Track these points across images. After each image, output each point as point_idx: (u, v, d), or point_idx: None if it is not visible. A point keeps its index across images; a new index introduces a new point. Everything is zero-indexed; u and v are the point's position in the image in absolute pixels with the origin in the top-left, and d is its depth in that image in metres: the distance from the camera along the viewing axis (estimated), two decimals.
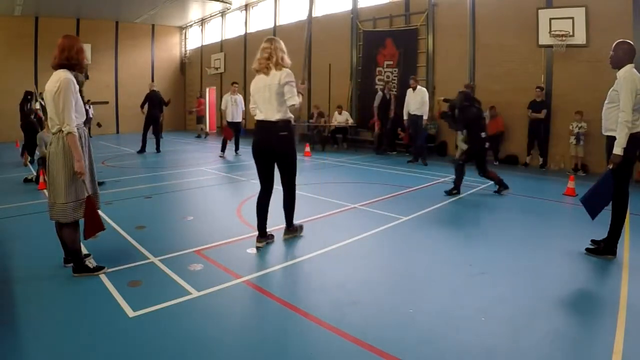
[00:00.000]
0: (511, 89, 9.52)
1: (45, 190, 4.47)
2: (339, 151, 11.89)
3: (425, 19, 11.01)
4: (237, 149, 10.99)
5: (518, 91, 9.34)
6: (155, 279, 3.19)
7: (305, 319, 2.64)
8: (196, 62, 20.43)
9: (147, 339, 2.40)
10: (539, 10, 8.78)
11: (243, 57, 17.10)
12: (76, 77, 6.38)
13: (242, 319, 2.74)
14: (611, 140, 3.55)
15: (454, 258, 3.71)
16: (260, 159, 3.78)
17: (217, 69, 18.59)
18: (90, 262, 3.29)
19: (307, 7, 4.14)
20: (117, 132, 18.37)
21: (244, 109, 10.79)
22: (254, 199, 3.87)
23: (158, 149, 11.34)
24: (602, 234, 3.80)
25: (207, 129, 19.41)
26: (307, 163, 9.31)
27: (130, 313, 2.65)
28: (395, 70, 11.77)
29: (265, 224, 3.89)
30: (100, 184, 6.12)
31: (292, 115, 3.75)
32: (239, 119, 10.68)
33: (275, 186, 3.87)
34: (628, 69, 3.49)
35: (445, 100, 7.29)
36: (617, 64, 3.57)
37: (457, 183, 6.20)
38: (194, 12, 18.68)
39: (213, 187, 7.03)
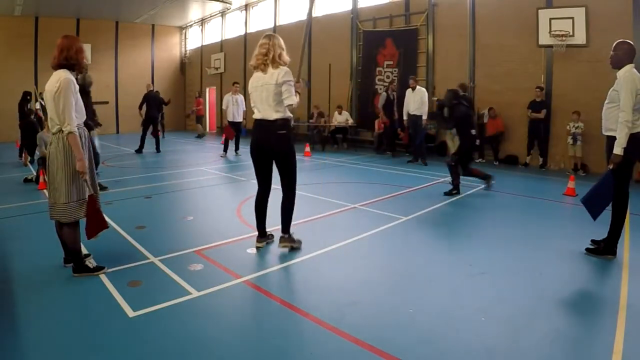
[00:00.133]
0: (511, 89, 9.52)
1: (45, 190, 4.47)
2: (339, 151, 11.89)
3: (425, 19, 11.01)
4: (237, 148, 11.00)
5: (518, 91, 9.35)
6: (155, 279, 3.19)
7: (305, 319, 2.64)
8: (196, 62, 20.42)
9: (147, 339, 2.40)
10: (539, 10, 8.78)
11: (243, 57, 17.09)
12: (84, 80, 6.42)
13: (242, 318, 2.74)
14: (611, 140, 3.55)
15: (454, 258, 3.71)
16: (258, 158, 3.72)
17: (217, 69, 18.59)
18: (90, 262, 3.29)
19: (307, 9, 4.02)
20: (117, 132, 18.36)
21: (244, 109, 10.83)
22: (254, 199, 3.86)
23: (158, 149, 11.34)
24: (602, 234, 3.80)
25: (207, 129, 19.44)
26: (307, 163, 9.31)
27: (130, 313, 2.65)
28: (395, 70, 11.77)
29: (265, 223, 3.87)
30: (103, 188, 6.16)
31: (292, 115, 3.68)
32: (239, 118, 10.70)
33: (273, 186, 3.85)
34: (628, 69, 3.49)
35: (438, 101, 7.33)
36: (617, 64, 3.57)
37: (456, 183, 6.20)
38: (194, 12, 18.67)
39: (213, 187, 7.03)
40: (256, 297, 3.00)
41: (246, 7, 17.29)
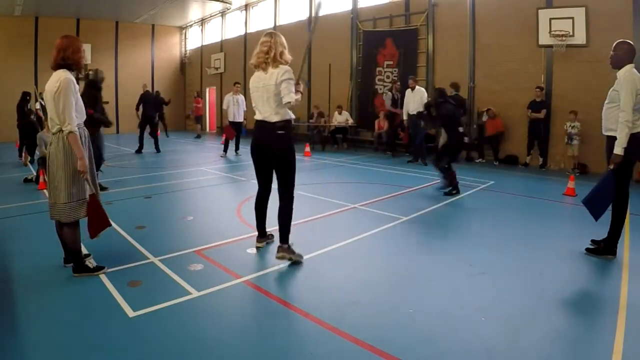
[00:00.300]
0: (511, 89, 9.52)
1: (45, 190, 4.47)
2: (339, 151, 11.89)
3: (425, 19, 11.01)
4: (237, 148, 11.00)
5: (518, 91, 9.35)
6: (155, 279, 3.19)
7: (305, 319, 2.64)
8: (196, 62, 20.42)
9: (147, 339, 2.40)
10: (539, 10, 8.78)
11: (243, 57, 17.09)
12: (96, 75, 6.40)
13: (242, 318, 2.74)
14: (611, 140, 3.55)
15: (454, 258, 3.71)
16: (258, 159, 3.64)
17: (217, 69, 18.59)
18: (90, 262, 3.29)
19: (312, 24, 3.94)
20: (117, 132, 18.35)
21: (245, 109, 10.85)
22: (254, 199, 3.85)
23: (157, 149, 11.35)
24: (602, 234, 3.80)
25: (207, 129, 19.46)
26: (307, 163, 9.31)
27: (130, 313, 2.65)
28: (395, 70, 11.77)
29: (264, 224, 3.86)
30: (104, 188, 6.16)
31: (293, 116, 3.59)
32: (240, 119, 10.70)
33: (273, 186, 3.83)
34: (628, 69, 3.49)
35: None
36: (617, 64, 3.58)
37: (454, 183, 6.19)
38: (194, 12, 18.67)
39: (213, 187, 7.03)
40: (256, 297, 3.00)
41: (246, 7, 17.29)
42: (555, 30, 8.51)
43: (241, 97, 10.73)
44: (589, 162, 8.29)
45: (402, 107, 9.77)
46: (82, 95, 6.40)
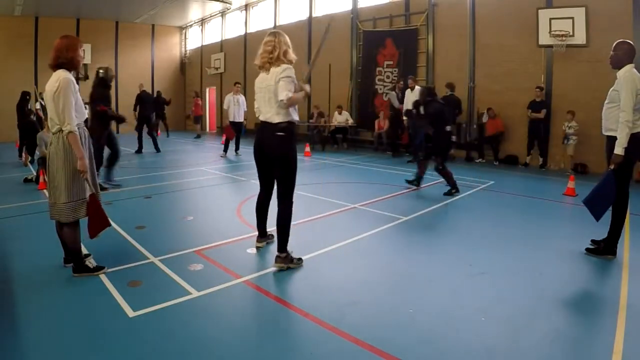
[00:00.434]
0: (511, 89, 9.53)
1: (45, 190, 4.47)
2: (339, 151, 11.90)
3: (425, 19, 11.02)
4: (237, 148, 11.00)
5: (518, 91, 9.35)
6: (155, 279, 3.19)
7: (305, 319, 2.64)
8: (196, 62, 20.43)
9: (147, 339, 2.40)
10: (539, 10, 8.79)
11: (243, 57, 17.11)
12: (106, 74, 6.40)
13: (242, 319, 2.74)
14: (611, 140, 3.55)
15: (454, 258, 3.71)
16: (259, 161, 3.60)
17: (217, 69, 18.60)
18: (90, 262, 3.29)
19: (322, 37, 3.75)
20: (117, 132, 18.29)
21: (246, 109, 10.86)
22: (254, 199, 3.85)
23: (157, 149, 11.35)
24: (602, 234, 3.80)
25: (207, 129, 19.46)
26: (307, 163, 9.30)
27: (130, 313, 2.65)
28: (395, 70, 11.77)
29: (265, 224, 3.84)
30: (103, 189, 6.16)
31: (297, 118, 3.44)
32: (240, 119, 10.70)
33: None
34: (628, 69, 3.49)
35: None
36: (617, 64, 3.58)
37: (451, 182, 6.20)
38: (194, 12, 18.68)
39: (213, 187, 7.03)
40: (256, 297, 3.00)
41: (246, 7, 17.29)
42: (555, 30, 8.51)
43: (242, 97, 10.75)
44: (589, 162, 8.29)
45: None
46: (92, 94, 6.43)
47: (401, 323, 2.59)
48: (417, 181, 6.56)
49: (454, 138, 6.43)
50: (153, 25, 19.69)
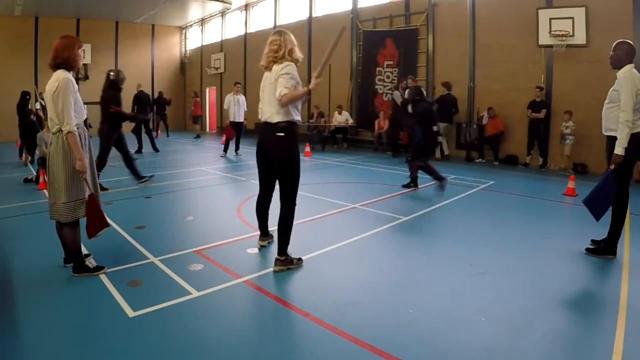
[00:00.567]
0: (511, 89, 9.53)
1: (45, 190, 4.47)
2: (339, 151, 11.90)
3: (425, 19, 11.02)
4: (237, 148, 11.00)
5: (518, 91, 9.35)
6: (155, 279, 3.19)
7: (305, 319, 2.64)
8: (196, 62, 20.43)
9: (147, 339, 2.40)
10: (539, 10, 8.79)
11: (243, 57, 17.11)
12: (117, 76, 6.44)
13: (242, 319, 2.74)
14: (611, 140, 3.55)
15: (454, 258, 3.71)
16: (260, 161, 3.53)
17: (217, 69, 18.60)
18: (90, 262, 3.29)
19: (334, 40, 3.60)
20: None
21: (246, 109, 10.87)
22: (254, 199, 3.84)
23: (155, 148, 11.34)
24: (602, 234, 3.80)
25: (206, 129, 19.46)
26: (307, 163, 9.31)
27: (130, 313, 2.65)
28: (395, 70, 11.77)
29: (266, 223, 3.82)
30: (104, 189, 6.18)
31: (298, 117, 3.34)
32: (240, 119, 10.71)
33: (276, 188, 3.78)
34: (628, 69, 3.49)
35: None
36: (617, 64, 3.58)
37: (435, 175, 6.28)
38: (194, 12, 18.68)
39: (213, 187, 7.03)
40: (256, 297, 3.00)
41: (246, 7, 17.29)
42: (555, 30, 8.51)
43: (242, 97, 10.76)
44: (589, 162, 8.30)
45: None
46: (103, 96, 6.45)
47: (401, 323, 2.59)
48: (412, 182, 6.56)
49: (440, 139, 6.49)
50: (153, 25, 19.69)
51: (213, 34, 19.60)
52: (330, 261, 3.62)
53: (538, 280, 3.23)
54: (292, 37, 3.33)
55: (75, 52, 3.10)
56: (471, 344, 2.35)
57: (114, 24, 18.40)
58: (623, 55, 3.53)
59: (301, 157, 3.41)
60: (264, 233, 3.85)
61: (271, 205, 3.77)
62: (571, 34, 8.39)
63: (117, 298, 2.84)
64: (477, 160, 9.85)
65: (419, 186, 6.60)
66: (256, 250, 3.82)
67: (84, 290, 2.99)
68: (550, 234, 4.46)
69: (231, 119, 10.54)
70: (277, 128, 3.25)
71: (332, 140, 12.49)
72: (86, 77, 17.37)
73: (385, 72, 12.03)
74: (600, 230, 3.83)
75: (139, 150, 11.16)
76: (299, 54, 3.31)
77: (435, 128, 6.35)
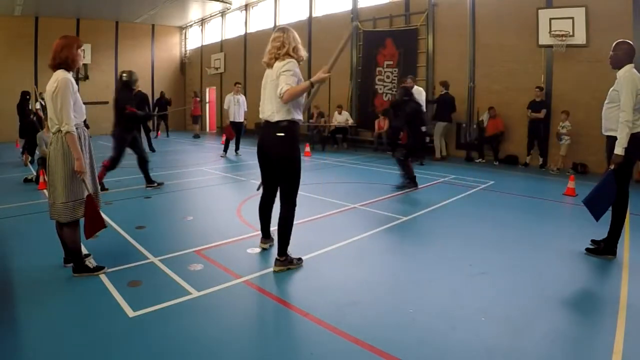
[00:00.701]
0: (511, 89, 9.53)
1: (45, 190, 4.47)
2: (339, 151, 11.90)
3: (425, 19, 11.02)
4: (237, 148, 11.00)
5: (518, 91, 9.35)
6: (155, 279, 3.19)
7: (305, 319, 2.64)
8: (196, 62, 20.43)
9: (147, 339, 2.40)
10: (539, 10, 8.79)
11: (243, 57, 17.11)
12: (130, 77, 6.48)
13: (242, 319, 2.74)
14: (611, 140, 3.55)
15: (454, 258, 3.70)
16: (261, 161, 3.49)
17: (217, 69, 18.60)
18: (90, 262, 3.29)
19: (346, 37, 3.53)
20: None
21: (246, 109, 10.87)
22: (254, 199, 3.84)
23: (151, 148, 11.34)
24: (602, 234, 3.80)
25: (205, 129, 19.47)
26: (307, 163, 9.31)
27: (130, 313, 2.65)
28: (395, 70, 11.77)
29: (269, 226, 3.76)
30: (104, 189, 6.19)
31: (299, 117, 3.27)
32: (240, 119, 10.71)
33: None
34: (628, 69, 3.49)
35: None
36: (617, 64, 3.58)
37: (410, 176, 6.42)
38: (194, 12, 18.68)
39: (213, 187, 7.03)
40: (256, 297, 3.00)
41: (246, 7, 17.29)
42: (555, 30, 8.51)
43: (242, 97, 10.76)
44: (589, 162, 8.30)
45: None
46: (117, 97, 6.49)
47: (401, 323, 2.59)
48: (412, 182, 6.55)
49: (428, 139, 6.54)
50: (153, 25, 19.69)
51: (213, 34, 19.60)
52: (330, 261, 3.62)
53: (538, 280, 3.23)
54: (296, 35, 3.28)
55: (74, 52, 3.09)
56: (471, 344, 2.35)
57: (114, 24, 18.40)
58: (623, 55, 3.53)
59: (301, 157, 3.40)
60: (266, 235, 3.80)
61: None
62: (571, 34, 8.39)
63: (117, 298, 2.84)
64: (477, 160, 9.85)
65: (420, 186, 6.60)
66: (256, 250, 3.81)
67: (84, 290, 2.99)
68: (550, 234, 4.46)
69: (231, 119, 10.54)
70: (277, 128, 3.21)
71: (332, 140, 12.49)
72: (86, 77, 17.38)
73: (385, 72, 12.03)
74: (600, 230, 3.83)
75: None
76: (303, 52, 3.26)
77: (423, 128, 6.41)
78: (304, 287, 3.15)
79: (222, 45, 18.69)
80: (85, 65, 16.87)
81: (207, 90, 19.87)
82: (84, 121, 3.27)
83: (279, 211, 3.38)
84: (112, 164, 6.26)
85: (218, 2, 16.70)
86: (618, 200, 3.58)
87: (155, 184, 6.58)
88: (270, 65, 3.28)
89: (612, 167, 3.51)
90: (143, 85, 12.67)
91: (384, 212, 5.14)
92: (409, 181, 6.55)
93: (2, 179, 7.54)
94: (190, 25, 20.70)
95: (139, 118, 6.56)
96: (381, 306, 2.83)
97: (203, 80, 20.01)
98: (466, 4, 10.12)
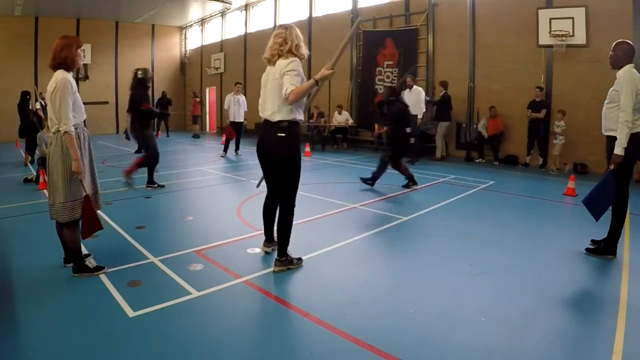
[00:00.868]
0: (511, 89, 9.53)
1: (45, 190, 4.47)
2: (339, 151, 11.90)
3: (425, 19, 11.01)
4: (237, 148, 11.00)
5: (518, 91, 9.35)
6: (155, 279, 3.19)
7: (305, 319, 2.64)
8: (196, 62, 20.42)
9: (147, 339, 2.40)
10: (539, 10, 8.79)
11: (243, 57, 17.11)
12: (145, 75, 6.49)
13: (242, 319, 2.74)
14: (611, 140, 3.55)
15: (454, 258, 3.70)
16: (262, 161, 3.46)
17: (217, 69, 18.60)
18: (90, 262, 3.29)
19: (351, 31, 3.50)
20: (117, 132, 18.36)
21: (246, 109, 10.87)
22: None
23: None
24: (602, 234, 3.80)
25: (205, 129, 19.47)
26: (307, 163, 9.31)
27: (130, 313, 2.65)
28: (395, 70, 11.77)
29: (272, 228, 3.68)
30: (160, 186, 6.30)
31: (301, 117, 3.25)
32: (240, 119, 10.71)
33: None
34: (628, 69, 3.49)
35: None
36: (617, 64, 3.58)
37: (377, 176, 6.46)
38: (194, 12, 18.68)
39: (213, 187, 7.03)
40: (256, 297, 3.00)
41: (246, 7, 17.29)
42: (555, 30, 8.51)
43: (242, 97, 10.76)
44: (589, 162, 8.29)
45: None
46: (132, 95, 6.51)
47: (401, 323, 2.59)
48: (410, 180, 6.57)
49: (412, 140, 6.56)
50: (153, 25, 19.69)
51: (213, 34, 19.60)
52: (330, 261, 3.62)
53: (538, 280, 3.23)
54: (299, 32, 3.24)
55: (73, 52, 3.09)
56: (471, 344, 2.35)
57: (114, 24, 18.40)
58: (622, 55, 3.54)
59: (302, 157, 3.39)
60: (269, 238, 3.73)
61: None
62: (571, 34, 8.39)
63: (117, 298, 2.84)
64: (477, 160, 9.85)
65: (419, 186, 6.60)
66: (256, 250, 3.81)
67: (84, 290, 2.99)
68: (550, 234, 4.46)
69: (231, 119, 10.54)
70: (278, 128, 3.18)
71: (332, 140, 12.49)
72: (86, 77, 17.39)
73: (385, 72, 12.03)
74: (600, 230, 3.83)
75: (139, 150, 11.15)
76: (304, 50, 3.22)
77: (408, 130, 6.43)
78: (304, 287, 3.16)
79: (222, 45, 18.69)
80: (85, 65, 16.87)
81: (207, 90, 19.87)
82: (84, 121, 3.27)
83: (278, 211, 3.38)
84: (153, 160, 6.33)
85: (218, 2, 16.70)
86: (618, 200, 3.58)
87: (156, 185, 6.58)
88: (271, 62, 3.24)
89: (612, 167, 3.51)
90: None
91: (384, 212, 5.14)
92: (409, 181, 6.57)
93: (2, 179, 7.54)
94: (190, 25, 20.70)
95: (155, 115, 6.57)
96: (381, 306, 2.83)
97: (203, 80, 20.01)
98: (466, 4, 10.12)
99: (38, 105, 10.22)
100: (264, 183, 3.69)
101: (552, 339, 2.41)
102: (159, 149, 6.55)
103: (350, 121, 12.26)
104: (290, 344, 2.40)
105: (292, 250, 3.47)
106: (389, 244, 4.20)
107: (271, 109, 3.22)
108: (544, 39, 8.72)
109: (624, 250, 3.88)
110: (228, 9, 17.85)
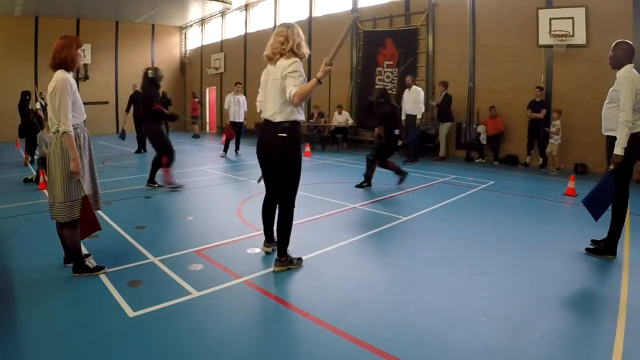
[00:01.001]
0: (511, 89, 9.53)
1: (45, 190, 4.47)
2: (339, 151, 11.90)
3: (425, 19, 11.01)
4: (237, 148, 11.01)
5: (518, 91, 9.35)
6: (155, 279, 3.19)
7: (305, 319, 2.64)
8: (196, 62, 20.42)
9: (147, 339, 2.40)
10: (539, 10, 8.78)
11: (243, 57, 17.11)
12: (155, 74, 6.49)
13: (242, 319, 2.74)
14: (611, 140, 3.55)
15: (454, 258, 3.70)
16: (262, 162, 3.45)
17: (217, 69, 18.60)
18: (90, 262, 3.29)
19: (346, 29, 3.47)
20: (117, 132, 18.35)
21: (246, 109, 10.87)
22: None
23: (144, 148, 11.36)
24: (602, 233, 3.80)
25: (205, 129, 19.47)
26: (307, 163, 9.31)
27: (130, 313, 2.65)
28: (395, 70, 11.77)
29: (272, 228, 3.68)
30: (178, 187, 6.34)
31: (302, 117, 3.23)
32: (240, 119, 10.71)
33: None
34: (628, 69, 3.49)
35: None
36: (617, 64, 3.58)
37: (368, 176, 6.52)
38: (194, 12, 18.68)
39: (213, 187, 7.03)
40: (256, 297, 3.00)
41: (246, 7, 17.29)
42: (555, 30, 8.51)
43: (242, 97, 10.76)
44: (589, 162, 8.29)
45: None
46: (144, 94, 6.53)
47: (401, 323, 2.59)
48: (399, 174, 6.62)
49: (399, 142, 6.59)
50: (153, 25, 19.69)
51: (213, 34, 19.60)
52: (330, 261, 3.62)
53: (538, 280, 3.23)
54: (300, 31, 3.22)
55: (73, 52, 3.09)
56: (471, 344, 2.35)
57: (114, 24, 18.40)
58: (622, 55, 3.54)
59: (302, 157, 3.39)
60: (269, 238, 3.72)
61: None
62: (571, 34, 8.39)
63: (117, 298, 2.84)
64: (477, 160, 9.85)
65: (419, 186, 6.60)
66: (256, 250, 3.81)
67: (84, 290, 2.99)
68: (550, 234, 4.46)
69: (231, 119, 10.54)
70: (279, 128, 3.17)
71: (332, 140, 12.49)
72: (86, 77, 17.39)
73: (385, 72, 12.03)
74: (600, 230, 3.83)
75: (139, 151, 11.17)
76: (306, 49, 3.20)
77: (396, 131, 6.45)
78: (304, 287, 3.15)
79: (222, 45, 18.69)
80: (85, 65, 16.86)
81: (207, 90, 19.87)
82: (84, 121, 3.27)
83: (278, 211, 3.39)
84: (169, 159, 6.38)
85: (218, 2, 16.70)
86: (618, 200, 3.58)
87: (156, 185, 6.58)
88: (272, 60, 3.22)
89: (611, 167, 3.51)
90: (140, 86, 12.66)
91: (384, 212, 5.14)
92: (398, 175, 6.64)
93: (2, 179, 7.54)
94: (190, 25, 20.70)
95: (165, 115, 6.58)
96: (381, 306, 2.83)
97: (203, 80, 20.01)
98: (466, 4, 10.12)
99: (38, 105, 10.24)
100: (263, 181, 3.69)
101: (552, 339, 2.41)
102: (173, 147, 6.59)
103: (350, 121, 12.26)
104: (290, 344, 2.40)
105: (292, 250, 3.47)
106: (388, 244, 4.20)
107: (272, 110, 3.21)
108: (544, 39, 8.72)
109: (624, 250, 3.88)
110: (228, 9, 17.86)
